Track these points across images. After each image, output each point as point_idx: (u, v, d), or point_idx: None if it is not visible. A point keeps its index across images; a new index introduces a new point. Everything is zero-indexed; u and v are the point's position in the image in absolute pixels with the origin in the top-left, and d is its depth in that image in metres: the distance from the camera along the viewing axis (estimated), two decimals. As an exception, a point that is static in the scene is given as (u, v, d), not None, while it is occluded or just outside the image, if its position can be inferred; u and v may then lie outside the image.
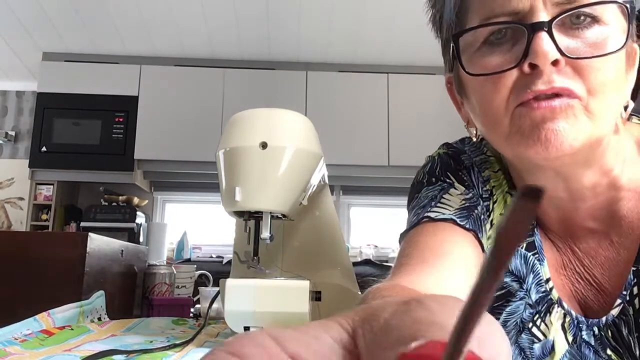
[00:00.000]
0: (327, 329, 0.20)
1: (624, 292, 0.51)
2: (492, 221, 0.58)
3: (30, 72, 3.81)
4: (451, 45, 0.51)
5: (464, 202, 0.56)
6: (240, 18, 3.18)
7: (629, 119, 0.55)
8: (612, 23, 0.45)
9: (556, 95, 0.44)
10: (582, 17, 0.44)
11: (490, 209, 0.58)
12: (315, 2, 3.00)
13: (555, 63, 0.43)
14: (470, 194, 0.58)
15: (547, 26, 0.43)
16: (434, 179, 0.61)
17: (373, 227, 3.91)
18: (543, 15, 0.44)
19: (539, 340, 0.55)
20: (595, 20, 0.44)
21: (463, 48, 0.49)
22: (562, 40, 0.44)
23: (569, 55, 0.43)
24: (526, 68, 0.44)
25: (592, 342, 0.52)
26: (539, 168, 0.50)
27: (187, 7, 3.06)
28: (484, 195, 0.59)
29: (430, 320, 0.19)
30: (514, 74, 0.45)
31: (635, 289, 0.50)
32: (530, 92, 0.44)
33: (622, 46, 0.44)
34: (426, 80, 3.62)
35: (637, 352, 0.50)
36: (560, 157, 0.45)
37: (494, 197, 0.59)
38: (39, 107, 3.50)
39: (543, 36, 0.43)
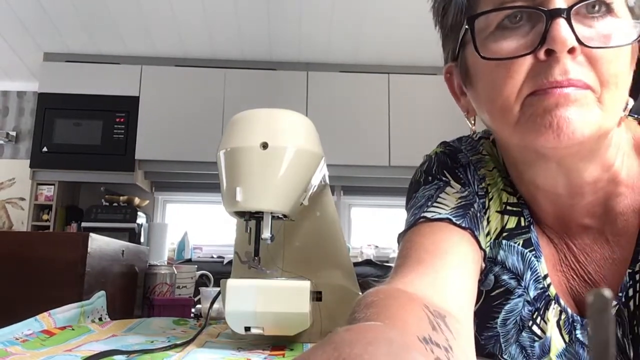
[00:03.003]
0: None
1: (620, 294, 0.51)
2: (488, 218, 0.58)
3: (31, 73, 3.82)
4: (460, 30, 0.50)
5: (460, 200, 0.56)
6: (241, 18, 3.18)
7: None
8: (623, 17, 0.45)
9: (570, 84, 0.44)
10: (598, 7, 0.45)
11: (486, 206, 0.58)
12: (316, 3, 3.00)
13: (571, 51, 0.43)
14: (467, 192, 0.58)
15: (565, 13, 0.43)
16: (430, 178, 0.61)
17: (374, 227, 3.92)
18: (560, 2, 0.44)
19: (540, 338, 0.55)
20: (609, 11, 0.45)
21: (476, 33, 0.48)
22: (579, 28, 0.44)
23: (585, 43, 0.43)
24: (542, 55, 0.44)
25: (586, 342, 0.52)
26: (542, 159, 0.50)
27: (188, 8, 3.06)
28: (479, 193, 0.59)
29: None
30: (528, 60, 0.45)
31: (630, 291, 0.50)
32: (546, 81, 0.44)
33: (636, 39, 0.45)
34: (427, 80, 3.62)
35: (632, 354, 0.50)
36: (570, 146, 0.45)
37: (490, 194, 0.59)
38: (40, 108, 3.51)
39: (561, 23, 0.43)
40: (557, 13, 0.43)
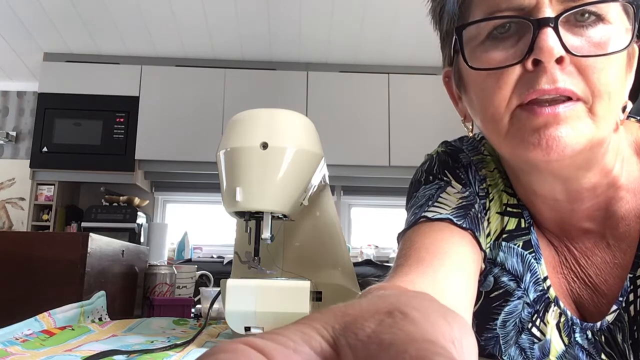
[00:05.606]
0: (308, 339, 0.20)
1: (620, 299, 0.51)
2: (488, 219, 0.58)
3: (32, 73, 3.82)
4: (453, 38, 0.50)
5: (461, 200, 0.56)
6: (241, 18, 3.18)
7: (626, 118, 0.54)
8: (616, 22, 0.44)
9: (560, 98, 0.43)
10: (587, 15, 0.44)
11: (487, 207, 0.58)
12: (316, 3, 3.00)
13: (559, 60, 0.42)
14: (467, 192, 0.58)
15: (553, 22, 0.42)
16: (431, 177, 0.60)
17: (374, 227, 3.92)
18: (548, 12, 0.43)
19: (539, 340, 0.55)
20: (599, 18, 0.44)
21: (465, 41, 0.48)
22: (567, 37, 0.43)
23: (573, 52, 0.42)
24: (529, 64, 0.43)
25: (586, 345, 0.52)
26: (536, 169, 0.50)
27: (188, 7, 3.06)
28: (480, 194, 0.58)
29: (423, 338, 0.19)
30: (517, 70, 0.44)
31: (631, 296, 0.50)
32: (533, 91, 0.43)
33: (627, 46, 0.44)
34: (427, 80, 3.62)
35: (632, 359, 0.49)
36: (561, 159, 0.44)
37: (490, 195, 0.59)
38: (40, 108, 3.51)
39: (549, 32, 0.42)
40: (544, 22, 0.42)
